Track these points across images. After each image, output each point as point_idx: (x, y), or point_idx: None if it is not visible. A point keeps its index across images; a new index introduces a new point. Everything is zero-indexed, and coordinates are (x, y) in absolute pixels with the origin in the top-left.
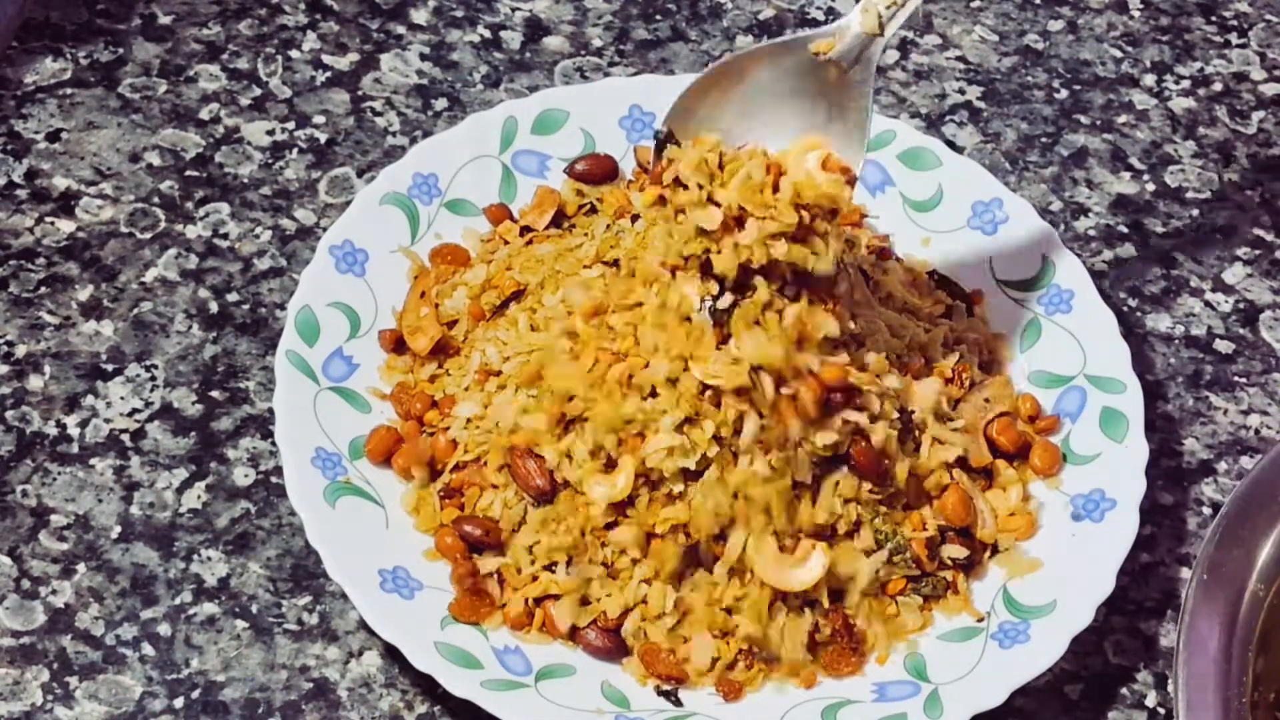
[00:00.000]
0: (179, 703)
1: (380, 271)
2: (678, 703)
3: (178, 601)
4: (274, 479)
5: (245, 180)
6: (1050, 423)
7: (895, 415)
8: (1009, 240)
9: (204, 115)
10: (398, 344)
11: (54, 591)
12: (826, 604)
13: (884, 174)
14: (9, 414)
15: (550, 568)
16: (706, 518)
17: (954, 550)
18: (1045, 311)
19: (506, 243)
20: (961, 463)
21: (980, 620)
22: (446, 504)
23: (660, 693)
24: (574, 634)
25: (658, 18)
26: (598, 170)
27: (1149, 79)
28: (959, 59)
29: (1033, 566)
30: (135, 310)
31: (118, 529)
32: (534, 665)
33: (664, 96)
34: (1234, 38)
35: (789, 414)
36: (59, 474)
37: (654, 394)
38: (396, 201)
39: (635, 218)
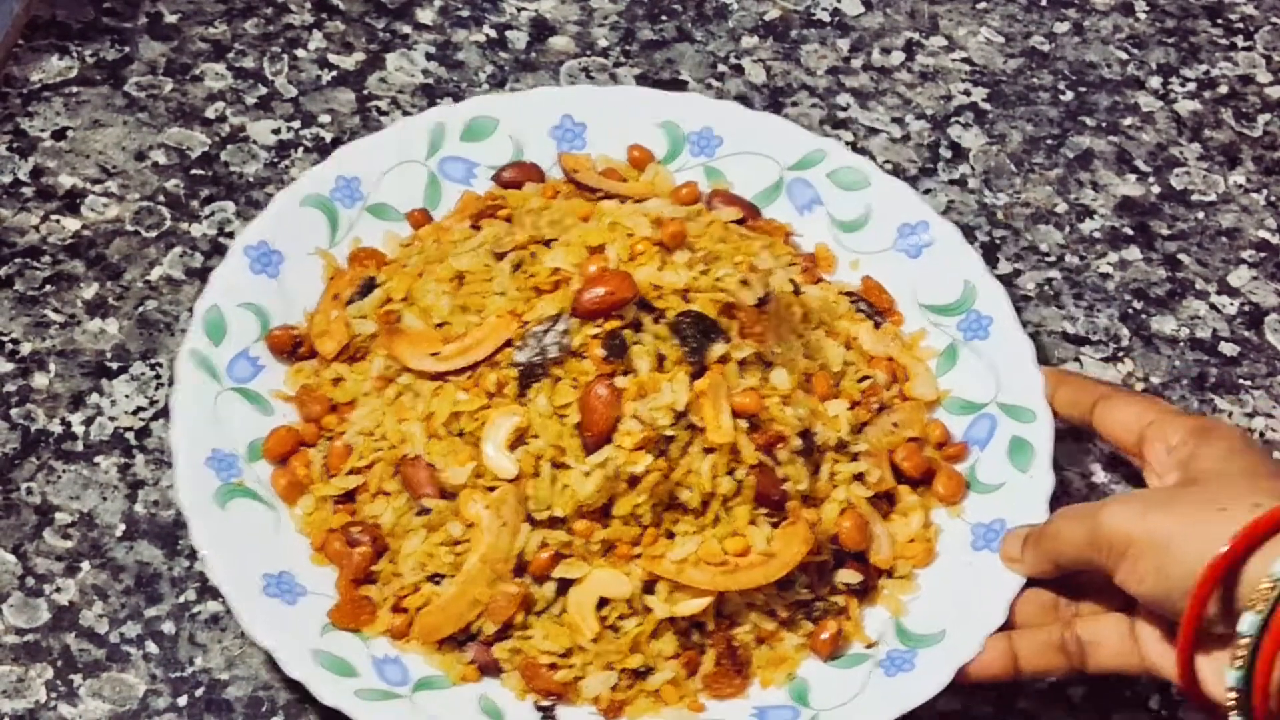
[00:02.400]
0: (183, 700)
1: (296, 273)
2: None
3: (182, 600)
4: None
5: (251, 179)
6: (958, 450)
7: (798, 440)
8: (933, 264)
9: (210, 114)
10: (293, 348)
11: (58, 589)
12: (711, 625)
13: (813, 193)
14: (14, 412)
15: (434, 579)
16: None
17: (848, 575)
18: (964, 337)
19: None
20: (862, 487)
21: (870, 647)
22: (339, 509)
23: (538, 708)
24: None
25: (663, 18)
26: (524, 178)
27: (1154, 81)
28: (964, 60)
29: (899, 610)
30: (140, 309)
31: (122, 527)
32: (412, 676)
33: (596, 106)
34: (1240, 40)
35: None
36: (64, 472)
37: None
38: (317, 204)
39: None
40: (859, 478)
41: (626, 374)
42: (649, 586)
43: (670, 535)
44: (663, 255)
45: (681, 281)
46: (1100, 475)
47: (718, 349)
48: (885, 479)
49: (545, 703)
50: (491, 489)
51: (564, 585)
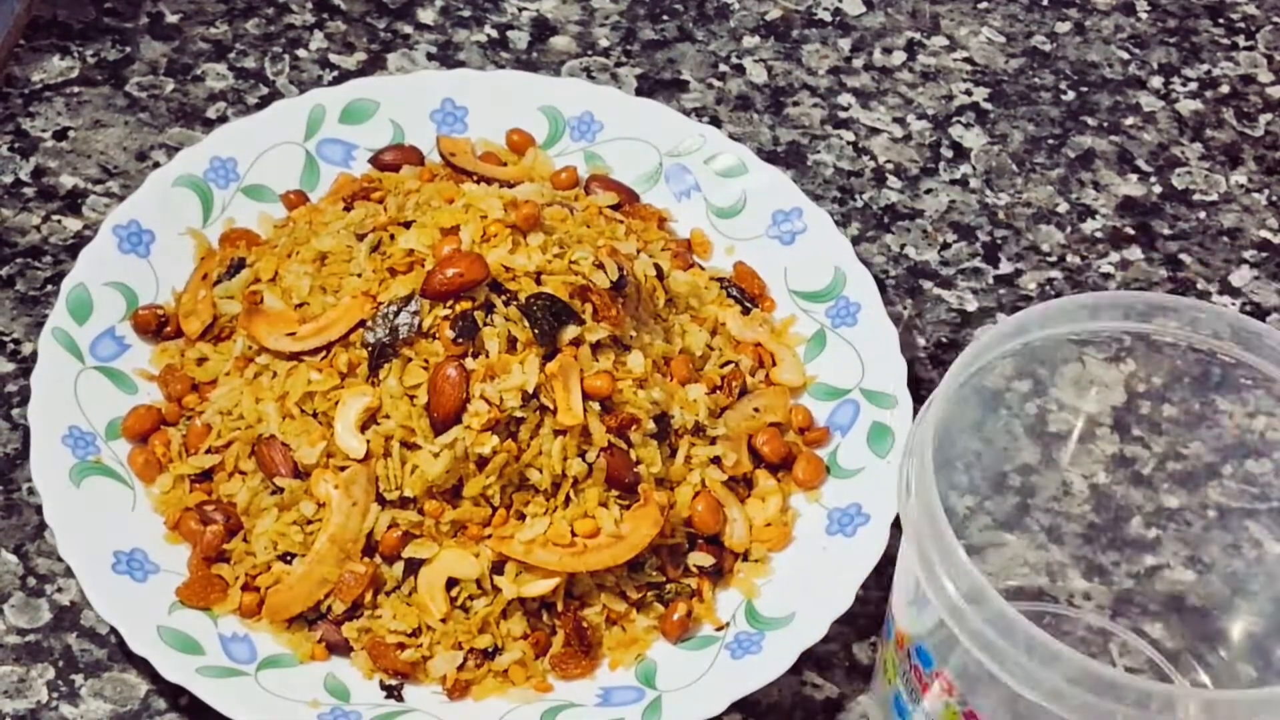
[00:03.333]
0: (184, 700)
1: (168, 253)
2: (400, 699)
3: None
4: None
5: None
6: (820, 435)
7: (652, 424)
8: (805, 251)
9: (211, 114)
10: (158, 327)
11: (60, 589)
12: (561, 606)
13: (692, 179)
14: (14, 412)
15: (285, 558)
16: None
17: (701, 558)
18: (832, 324)
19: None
20: (718, 471)
21: (720, 629)
22: (196, 488)
23: (384, 688)
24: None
25: (664, 18)
26: (402, 161)
27: (1156, 81)
28: (966, 60)
29: (752, 593)
30: None
31: None
32: (260, 654)
33: (478, 90)
34: (1241, 40)
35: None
36: None
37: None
38: (190, 184)
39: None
40: (715, 461)
41: (477, 355)
42: (499, 567)
43: (521, 516)
44: (516, 238)
45: (534, 264)
46: (1102, 476)
47: (570, 331)
48: (742, 463)
49: (392, 682)
50: (343, 469)
51: (414, 565)
